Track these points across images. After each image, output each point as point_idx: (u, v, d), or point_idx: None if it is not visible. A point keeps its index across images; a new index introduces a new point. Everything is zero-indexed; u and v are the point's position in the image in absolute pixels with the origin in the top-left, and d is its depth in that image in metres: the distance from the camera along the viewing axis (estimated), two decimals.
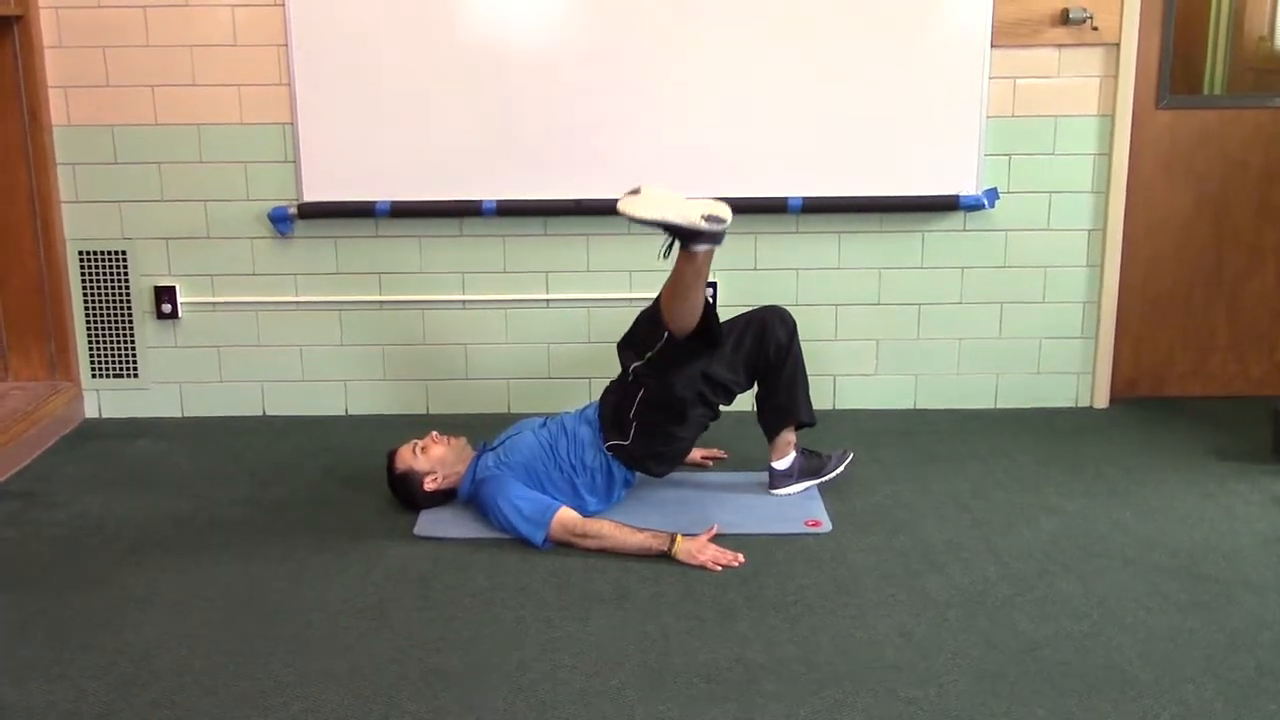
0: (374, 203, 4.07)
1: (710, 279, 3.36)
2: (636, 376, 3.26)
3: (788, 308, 3.47)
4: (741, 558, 3.06)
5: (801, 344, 3.44)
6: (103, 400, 4.29)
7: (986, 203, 4.08)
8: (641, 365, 3.25)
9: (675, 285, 3.10)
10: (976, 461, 3.80)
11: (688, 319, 3.13)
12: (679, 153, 4.04)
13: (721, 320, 3.40)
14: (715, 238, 2.98)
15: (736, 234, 4.15)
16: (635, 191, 2.97)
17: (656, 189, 2.98)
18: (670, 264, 3.09)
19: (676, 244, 3.02)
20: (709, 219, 2.93)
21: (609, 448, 3.31)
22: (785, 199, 4.06)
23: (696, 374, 3.24)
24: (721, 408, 3.39)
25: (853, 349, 4.28)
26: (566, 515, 3.16)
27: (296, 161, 4.07)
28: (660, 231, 3.00)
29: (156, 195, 4.13)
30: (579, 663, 2.59)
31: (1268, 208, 4.28)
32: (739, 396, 3.42)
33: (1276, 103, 4.19)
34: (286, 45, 3.98)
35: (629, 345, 3.32)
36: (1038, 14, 3.99)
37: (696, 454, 3.68)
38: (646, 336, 3.23)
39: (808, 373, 3.47)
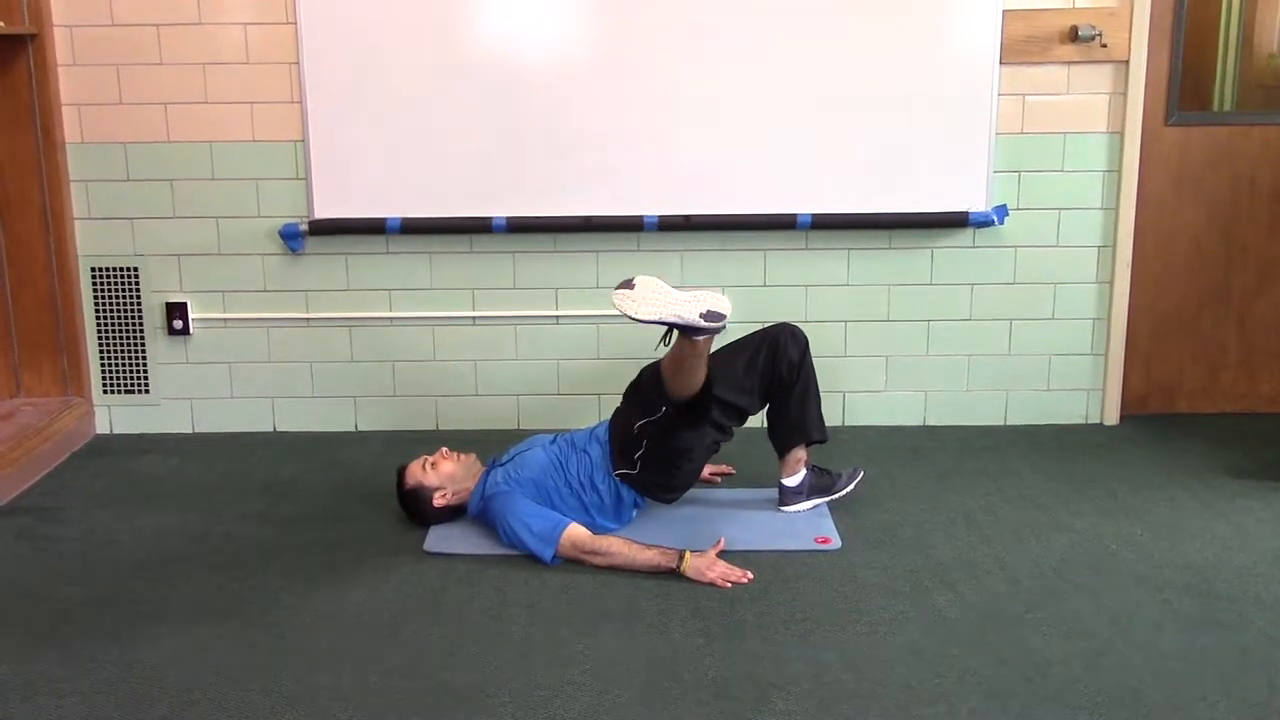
0: (385, 219, 4.09)
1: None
2: (641, 431, 3.22)
3: (797, 324, 3.48)
4: (750, 575, 3.06)
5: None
6: (114, 416, 4.31)
7: (996, 219, 4.08)
8: (647, 423, 3.21)
9: (676, 363, 3.08)
10: (986, 478, 3.79)
11: (687, 390, 3.11)
12: (689, 169, 4.05)
13: (732, 339, 3.42)
14: (715, 330, 2.96)
15: (746, 251, 4.17)
16: (628, 284, 2.95)
17: (650, 281, 2.95)
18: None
19: (675, 333, 3.01)
20: (707, 316, 2.88)
21: (618, 475, 3.31)
22: (794, 215, 4.07)
23: (704, 428, 3.23)
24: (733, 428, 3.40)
25: (862, 365, 4.28)
26: (576, 532, 3.16)
27: (308, 178, 4.08)
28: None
29: (168, 212, 4.15)
30: (588, 679, 2.59)
31: (1277, 224, 4.28)
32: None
33: None
34: (298, 63, 4.00)
35: (634, 400, 3.29)
36: (1047, 31, 3.99)
37: (706, 470, 3.66)
38: (647, 402, 3.20)
39: (819, 389, 3.47)
